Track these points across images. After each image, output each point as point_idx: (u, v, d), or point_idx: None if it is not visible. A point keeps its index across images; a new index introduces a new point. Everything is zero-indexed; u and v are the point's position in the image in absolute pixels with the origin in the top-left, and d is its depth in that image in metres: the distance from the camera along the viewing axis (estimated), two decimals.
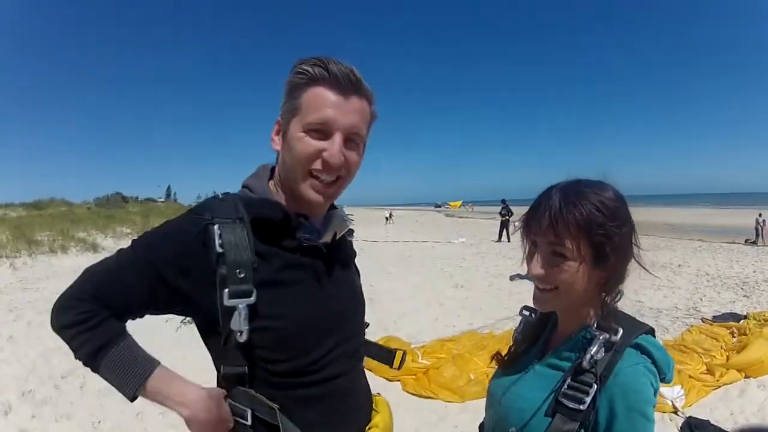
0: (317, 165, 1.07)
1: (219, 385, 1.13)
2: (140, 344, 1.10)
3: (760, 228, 22.82)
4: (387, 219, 41.58)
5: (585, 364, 0.97)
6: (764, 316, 6.46)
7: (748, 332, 5.68)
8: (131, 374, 1.04)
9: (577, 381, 0.98)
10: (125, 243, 1.15)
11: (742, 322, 6.29)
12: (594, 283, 1.04)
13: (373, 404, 1.31)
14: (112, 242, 14.52)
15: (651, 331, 1.06)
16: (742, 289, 9.36)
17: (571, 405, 0.96)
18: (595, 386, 0.95)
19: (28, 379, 4.72)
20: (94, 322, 1.04)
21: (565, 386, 0.99)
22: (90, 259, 11.77)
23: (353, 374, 1.23)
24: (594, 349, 0.97)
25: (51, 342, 5.79)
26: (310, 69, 1.04)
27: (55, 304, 1.09)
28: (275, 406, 1.05)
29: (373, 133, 1.20)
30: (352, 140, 1.09)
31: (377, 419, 1.27)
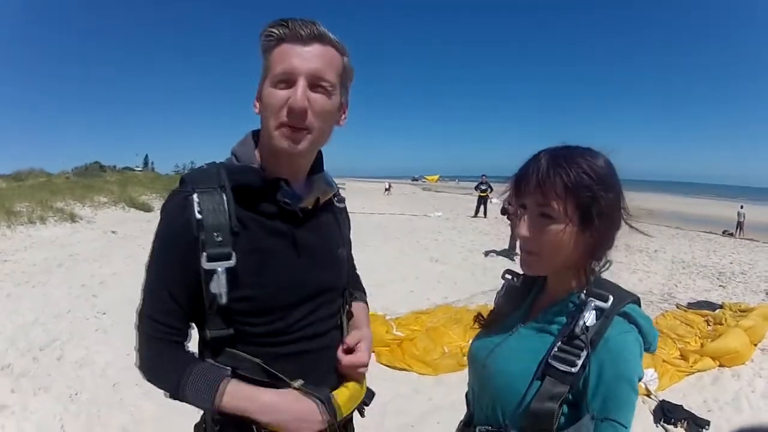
0: (284, 114, 1.08)
1: (201, 350, 1.18)
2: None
3: (741, 221, 23.20)
4: (386, 190, 42.04)
5: (577, 329, 0.98)
6: (740, 307, 6.56)
7: (723, 322, 5.77)
8: (207, 395, 1.08)
9: (568, 345, 0.99)
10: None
11: (717, 311, 6.38)
12: (581, 247, 1.05)
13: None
14: (90, 211, 14.39)
15: (637, 301, 1.08)
16: (718, 278, 9.47)
17: (562, 368, 0.97)
18: (586, 351, 0.96)
19: (8, 352, 4.68)
20: (163, 364, 1.14)
21: (556, 349, 1.00)
22: (68, 230, 11.84)
23: (330, 335, 1.28)
24: (586, 315, 0.99)
25: (29, 314, 5.78)
26: (274, 30, 1.09)
27: (136, 356, 1.17)
28: (257, 360, 1.13)
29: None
30: (318, 85, 1.10)
31: (350, 380, 1.31)
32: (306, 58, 1.08)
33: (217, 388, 1.08)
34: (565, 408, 0.99)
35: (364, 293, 1.59)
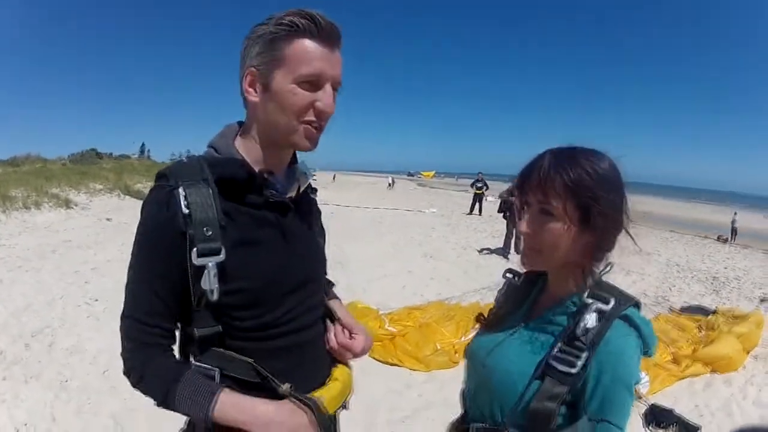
0: (311, 115, 1.10)
1: (183, 350, 1.17)
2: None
3: (735, 227, 23.29)
4: (390, 185, 42.37)
5: (579, 331, 0.99)
6: (733, 313, 6.50)
7: (716, 327, 5.74)
8: (199, 409, 1.06)
9: (569, 346, 0.99)
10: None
11: (710, 316, 6.34)
12: (581, 247, 1.06)
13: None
14: (85, 198, 14.37)
15: (638, 305, 1.08)
16: (712, 283, 9.50)
17: (562, 368, 0.98)
18: (587, 352, 0.97)
19: (1, 338, 4.67)
20: (152, 372, 1.10)
21: (556, 350, 1.01)
22: (63, 216, 11.79)
23: (316, 328, 1.29)
24: (588, 317, 0.99)
25: (22, 300, 5.77)
26: (298, 21, 1.05)
27: (125, 371, 1.14)
28: (249, 360, 1.11)
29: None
30: (335, 90, 1.12)
31: (337, 372, 1.31)
32: (333, 64, 1.09)
33: (212, 399, 1.05)
34: (563, 408, 1.00)
35: (332, 285, 1.59)
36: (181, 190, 1.04)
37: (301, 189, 1.26)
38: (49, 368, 4.18)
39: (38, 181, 14.25)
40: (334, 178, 50.09)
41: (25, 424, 3.38)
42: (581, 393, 0.98)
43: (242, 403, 1.08)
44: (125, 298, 1.12)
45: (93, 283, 6.62)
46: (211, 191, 1.06)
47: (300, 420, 1.11)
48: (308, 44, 1.06)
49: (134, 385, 1.11)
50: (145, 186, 18.00)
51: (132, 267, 1.11)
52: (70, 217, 12.09)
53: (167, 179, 1.08)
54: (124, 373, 1.12)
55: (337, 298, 1.52)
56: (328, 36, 1.07)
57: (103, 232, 10.67)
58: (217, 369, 1.10)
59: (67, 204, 12.85)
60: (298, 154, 1.29)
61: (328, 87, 1.09)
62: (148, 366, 1.09)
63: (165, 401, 1.08)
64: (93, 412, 3.58)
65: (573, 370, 0.97)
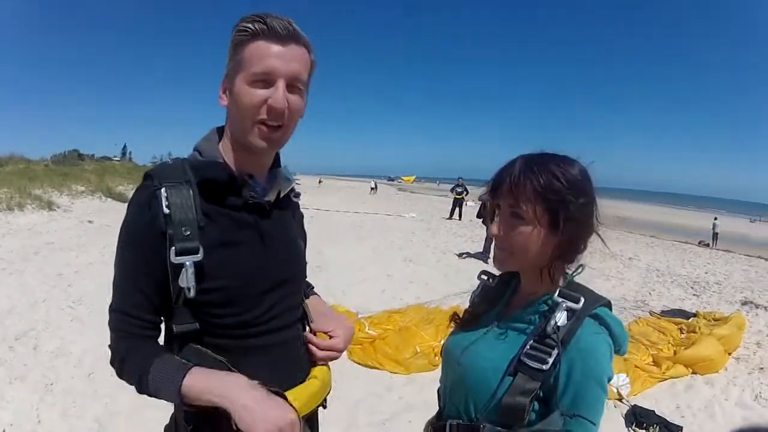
0: (263, 113, 1.11)
1: (167, 345, 1.18)
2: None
3: (716, 232, 23.60)
4: (372, 189, 42.69)
5: (549, 328, 1.02)
6: (714, 316, 6.63)
7: (697, 330, 5.82)
8: (169, 383, 1.05)
9: (539, 343, 1.03)
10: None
11: (691, 319, 6.44)
12: (550, 249, 1.10)
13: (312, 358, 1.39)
14: (67, 200, 14.27)
15: (608, 304, 1.13)
16: (692, 288, 9.57)
17: (533, 365, 1.02)
18: (557, 349, 1.01)
19: None
20: (132, 357, 1.12)
21: (528, 347, 1.05)
22: (45, 218, 11.67)
23: (294, 328, 1.32)
24: (558, 315, 1.03)
25: (6, 302, 5.71)
26: (250, 25, 1.09)
27: (111, 361, 1.16)
28: (221, 358, 1.12)
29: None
30: (294, 86, 1.13)
31: (316, 371, 1.32)
32: (286, 59, 1.10)
33: (184, 370, 1.05)
34: (535, 405, 1.04)
35: (313, 287, 1.61)
36: (163, 191, 1.07)
37: (282, 193, 1.29)
38: (34, 371, 4.15)
39: (21, 181, 14.10)
40: (320, 182, 49.81)
41: (11, 425, 3.37)
42: (553, 389, 1.02)
43: (214, 373, 1.07)
44: (113, 292, 1.15)
45: (75, 286, 6.57)
46: (192, 193, 1.09)
47: (276, 403, 1.05)
48: (260, 44, 1.09)
49: (118, 374, 1.14)
50: (127, 188, 17.89)
51: (117, 264, 1.15)
52: (52, 219, 11.96)
53: (152, 180, 1.11)
54: (111, 363, 1.15)
55: (315, 294, 1.54)
56: (278, 33, 1.09)
57: (86, 235, 10.57)
58: (193, 364, 1.09)
59: (50, 206, 12.73)
60: (282, 159, 1.33)
61: (280, 83, 1.10)
62: (129, 352, 1.12)
63: (140, 383, 1.09)
64: (78, 415, 3.56)
65: (544, 367, 1.00)
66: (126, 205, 1.15)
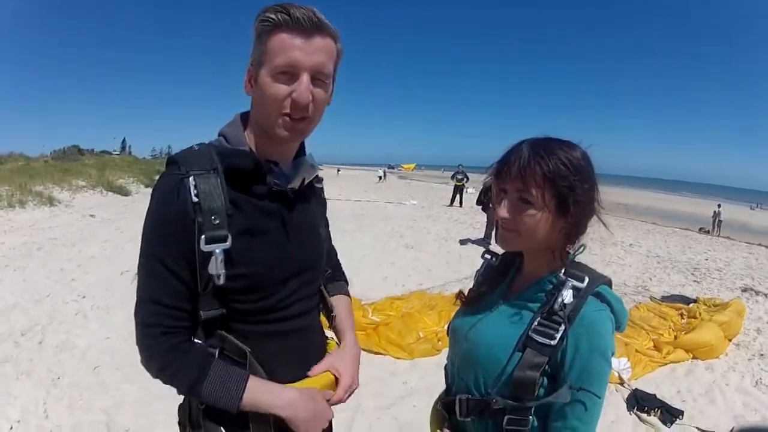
0: (287, 107, 1.11)
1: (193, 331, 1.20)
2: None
3: (717, 219, 23.55)
4: (380, 178, 42.02)
5: (556, 306, 1.06)
6: (714, 302, 6.62)
7: (698, 316, 5.83)
8: (229, 398, 1.11)
9: (547, 320, 1.07)
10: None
11: (691, 305, 6.45)
12: (557, 232, 1.14)
13: (327, 346, 1.44)
14: (68, 195, 14.35)
15: (609, 282, 1.17)
16: (692, 274, 9.55)
17: (541, 340, 1.06)
18: (564, 326, 1.05)
19: None
20: (179, 359, 1.12)
21: (536, 323, 1.09)
22: (47, 213, 11.72)
23: (312, 314, 1.37)
24: (565, 293, 1.07)
25: (10, 298, 5.74)
26: (272, 16, 1.07)
27: (140, 352, 1.15)
28: (247, 348, 1.17)
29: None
30: (318, 79, 1.13)
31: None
32: (309, 52, 1.08)
33: (243, 384, 1.12)
34: (544, 380, 1.08)
35: (346, 282, 1.66)
36: (191, 179, 1.08)
37: (306, 181, 1.30)
38: (40, 366, 4.18)
39: (22, 179, 14.15)
40: (338, 172, 49.36)
41: (18, 421, 3.39)
42: (561, 364, 1.06)
43: (271, 388, 1.17)
44: (139, 283, 1.14)
45: (79, 280, 6.56)
46: (219, 181, 1.10)
47: (321, 404, 1.23)
48: (283, 37, 1.08)
49: (157, 376, 1.14)
50: (127, 182, 17.93)
51: (145, 252, 1.13)
52: (54, 214, 12.02)
53: (178, 167, 1.11)
54: (145, 365, 1.14)
55: (345, 293, 1.60)
56: (302, 25, 1.07)
57: (87, 229, 10.61)
58: (218, 348, 1.17)
59: (51, 201, 12.78)
60: (307, 147, 1.35)
61: (304, 77, 1.09)
62: (172, 355, 1.12)
63: (191, 390, 1.12)
64: (85, 408, 3.58)
65: (552, 342, 1.05)
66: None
